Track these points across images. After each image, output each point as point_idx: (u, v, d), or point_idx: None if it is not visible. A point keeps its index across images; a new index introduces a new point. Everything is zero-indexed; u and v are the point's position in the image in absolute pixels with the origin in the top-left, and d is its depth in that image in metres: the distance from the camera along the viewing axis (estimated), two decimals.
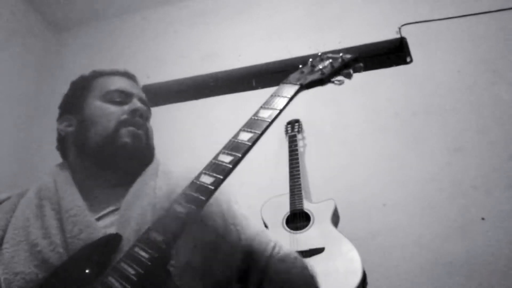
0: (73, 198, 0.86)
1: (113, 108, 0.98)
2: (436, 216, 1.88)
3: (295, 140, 2.13)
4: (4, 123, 2.48)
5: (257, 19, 2.73)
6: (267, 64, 2.58)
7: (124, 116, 0.97)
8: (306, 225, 1.74)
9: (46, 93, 2.79)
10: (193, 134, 2.43)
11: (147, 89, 2.76)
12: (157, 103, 2.69)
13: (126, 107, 0.99)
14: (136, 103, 1.00)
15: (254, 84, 2.63)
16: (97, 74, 1.07)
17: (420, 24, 2.35)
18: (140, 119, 0.98)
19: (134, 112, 0.98)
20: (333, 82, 0.86)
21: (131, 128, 0.96)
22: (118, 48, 2.90)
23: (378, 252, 1.85)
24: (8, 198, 0.93)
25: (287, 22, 2.65)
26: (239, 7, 2.81)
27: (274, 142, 2.22)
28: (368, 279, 1.53)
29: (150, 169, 0.97)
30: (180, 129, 2.51)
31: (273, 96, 0.84)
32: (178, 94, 2.75)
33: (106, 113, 0.96)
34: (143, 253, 0.63)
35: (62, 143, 1.03)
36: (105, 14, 3.07)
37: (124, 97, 1.01)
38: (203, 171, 0.71)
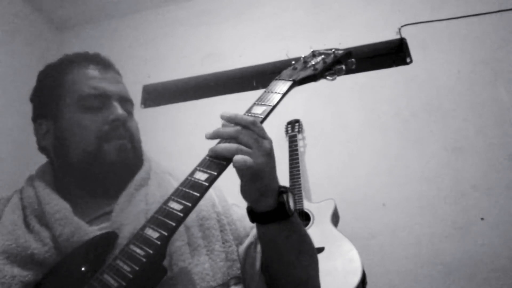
0: (56, 203, 0.83)
1: (90, 119, 0.88)
2: (436, 216, 1.88)
3: (295, 140, 2.13)
4: (5, 123, 2.49)
5: (258, 20, 2.73)
6: (268, 64, 2.58)
7: (105, 128, 0.88)
8: (306, 225, 1.74)
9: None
10: (193, 134, 2.43)
11: (148, 89, 2.79)
12: (158, 103, 2.70)
13: (105, 114, 0.89)
14: (115, 109, 0.90)
15: (254, 84, 2.63)
16: (67, 66, 0.95)
17: (420, 24, 2.35)
18: (123, 131, 0.90)
19: (114, 122, 0.89)
20: (325, 77, 0.86)
21: (115, 142, 0.88)
22: (119, 48, 2.90)
23: (378, 252, 1.85)
24: None
25: (288, 22, 2.65)
26: (240, 7, 2.81)
27: (274, 142, 2.20)
28: (368, 279, 1.53)
29: (141, 173, 0.93)
30: (181, 129, 2.51)
31: (266, 92, 0.84)
32: (178, 94, 2.76)
33: (83, 126, 0.87)
34: (138, 250, 0.63)
35: (43, 150, 0.96)
36: (106, 14, 3.08)
37: (101, 101, 0.90)
38: (197, 168, 0.70)
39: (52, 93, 0.93)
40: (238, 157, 0.66)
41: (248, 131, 0.70)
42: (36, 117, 0.97)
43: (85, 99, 0.90)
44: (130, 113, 0.96)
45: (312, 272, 0.88)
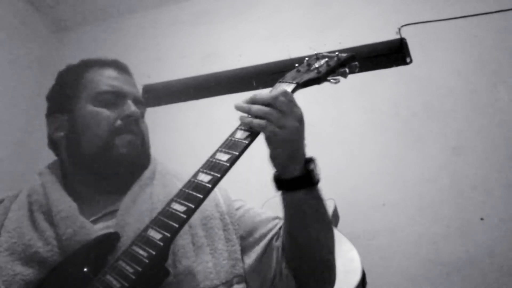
0: (63, 201, 0.84)
1: (105, 113, 0.92)
2: (436, 216, 1.88)
3: None
4: (5, 123, 2.49)
5: (258, 20, 2.73)
6: (268, 65, 2.58)
7: (118, 123, 0.91)
8: None
9: (46, 93, 2.79)
10: (193, 134, 2.44)
11: (148, 89, 2.79)
12: (158, 103, 2.70)
13: (119, 111, 0.93)
14: (129, 107, 0.94)
15: (254, 84, 2.62)
16: (86, 66, 1.00)
17: (420, 24, 2.34)
18: (134, 127, 0.94)
19: (128, 117, 0.92)
20: (329, 80, 0.86)
21: (126, 136, 0.91)
22: (119, 48, 2.90)
23: (378, 252, 1.85)
24: (1, 200, 0.92)
25: (288, 22, 2.65)
26: (240, 7, 2.81)
27: None
28: (368, 279, 1.53)
29: (147, 173, 0.94)
30: (181, 129, 2.51)
31: None
32: (178, 94, 2.75)
33: (98, 119, 0.91)
34: (141, 251, 0.64)
35: (54, 145, 0.99)
36: (106, 14, 3.07)
37: (117, 98, 0.95)
38: (201, 170, 0.71)
39: (70, 90, 0.97)
40: (269, 127, 0.73)
41: (281, 99, 0.76)
42: (51, 113, 1.00)
43: (101, 95, 0.94)
44: (142, 114, 1.01)
45: (333, 252, 0.88)
